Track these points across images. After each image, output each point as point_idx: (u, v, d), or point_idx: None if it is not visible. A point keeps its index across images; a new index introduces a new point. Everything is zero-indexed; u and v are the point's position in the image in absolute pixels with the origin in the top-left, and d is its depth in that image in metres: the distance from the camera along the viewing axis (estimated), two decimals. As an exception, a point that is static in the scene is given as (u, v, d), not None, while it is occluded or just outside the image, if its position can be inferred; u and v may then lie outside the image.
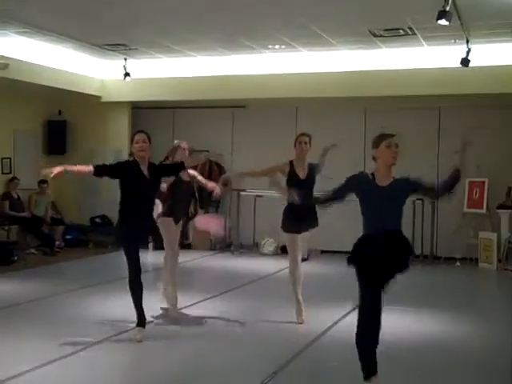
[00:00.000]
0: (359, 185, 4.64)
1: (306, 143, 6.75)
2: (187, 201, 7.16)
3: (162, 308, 7.04)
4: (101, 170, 5.92)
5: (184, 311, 7.18)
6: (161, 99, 12.37)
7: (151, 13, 8.54)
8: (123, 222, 6.01)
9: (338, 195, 4.80)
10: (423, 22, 8.56)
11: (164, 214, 6.93)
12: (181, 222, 7.10)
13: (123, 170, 5.95)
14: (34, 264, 10.31)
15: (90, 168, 5.86)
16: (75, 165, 5.97)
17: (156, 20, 8.93)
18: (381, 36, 9.54)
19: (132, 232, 5.94)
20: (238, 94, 11.82)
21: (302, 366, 5.48)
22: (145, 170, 6.01)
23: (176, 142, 7.30)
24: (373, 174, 4.63)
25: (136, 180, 5.93)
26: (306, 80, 11.24)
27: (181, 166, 6.47)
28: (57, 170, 5.53)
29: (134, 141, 6.05)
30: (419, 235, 11.09)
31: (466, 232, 11.16)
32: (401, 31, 9.23)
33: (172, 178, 6.88)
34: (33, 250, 11.46)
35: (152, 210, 6.15)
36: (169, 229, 6.88)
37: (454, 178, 4.59)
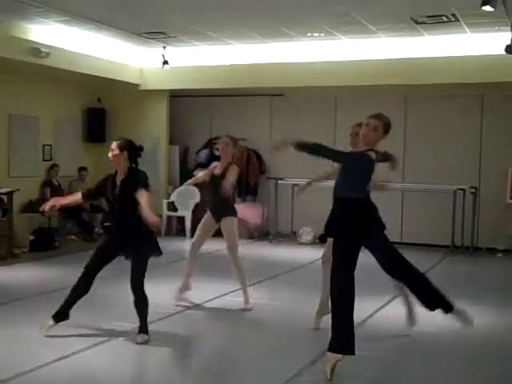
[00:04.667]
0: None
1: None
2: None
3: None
4: (88, 196, 6.07)
5: (222, 299, 7.20)
6: (199, 87, 12.37)
7: (190, 1, 8.53)
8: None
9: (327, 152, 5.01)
10: (467, 8, 8.37)
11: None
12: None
13: (104, 186, 5.70)
14: (74, 250, 10.44)
15: (78, 196, 5.93)
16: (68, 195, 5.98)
17: (195, 8, 8.91)
18: (423, 23, 9.38)
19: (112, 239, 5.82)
20: (276, 82, 11.75)
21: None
22: (118, 180, 5.60)
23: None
24: None
25: (110, 191, 5.62)
26: (346, 68, 11.11)
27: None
28: (49, 203, 5.68)
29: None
30: (459, 226, 10.94)
31: (508, 223, 10.96)
32: (444, 18, 9.06)
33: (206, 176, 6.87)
34: (73, 237, 11.62)
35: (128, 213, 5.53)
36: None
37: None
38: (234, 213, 6.81)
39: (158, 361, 5.21)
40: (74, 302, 5.65)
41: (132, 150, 5.61)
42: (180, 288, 6.94)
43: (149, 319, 5.57)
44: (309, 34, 10.45)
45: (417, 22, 9.35)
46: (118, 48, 11.81)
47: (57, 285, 7.46)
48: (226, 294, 7.42)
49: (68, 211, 11.70)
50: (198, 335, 5.97)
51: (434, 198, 11.46)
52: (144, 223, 5.25)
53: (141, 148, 5.71)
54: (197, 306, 6.89)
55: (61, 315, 5.65)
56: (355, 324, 4.77)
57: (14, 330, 5.82)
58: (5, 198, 9.80)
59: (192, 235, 11.85)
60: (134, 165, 5.63)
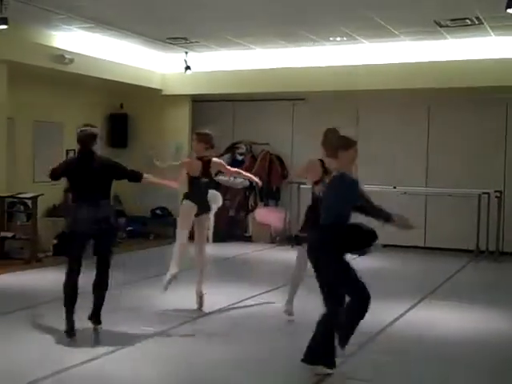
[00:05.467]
0: None
1: None
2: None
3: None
4: None
5: (245, 303, 7.19)
6: (221, 92, 12.39)
7: (212, 6, 8.55)
8: None
9: None
10: (491, 11, 8.29)
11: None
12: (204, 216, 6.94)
13: None
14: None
15: None
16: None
17: (217, 13, 8.93)
18: (447, 26, 9.31)
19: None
20: (298, 86, 11.72)
21: (360, 361, 5.40)
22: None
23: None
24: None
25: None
26: (368, 72, 11.06)
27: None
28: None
29: None
30: (484, 230, 10.82)
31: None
32: (467, 21, 8.98)
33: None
34: (96, 241, 11.67)
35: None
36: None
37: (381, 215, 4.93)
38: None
39: (184, 364, 5.21)
40: None
41: None
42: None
43: (173, 323, 5.58)
44: (331, 39, 10.42)
45: (440, 26, 9.28)
46: (140, 54, 11.88)
47: (79, 289, 7.50)
48: (246, 298, 7.39)
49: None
50: (225, 338, 5.94)
51: (459, 202, 11.35)
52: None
53: None
54: (221, 310, 6.88)
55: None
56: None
57: (37, 334, 5.84)
58: (29, 202, 9.89)
59: (214, 239, 11.98)
60: None
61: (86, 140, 6.05)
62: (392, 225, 4.83)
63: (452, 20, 8.99)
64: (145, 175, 6.19)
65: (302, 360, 4.89)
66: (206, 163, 6.82)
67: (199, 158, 6.85)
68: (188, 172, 6.82)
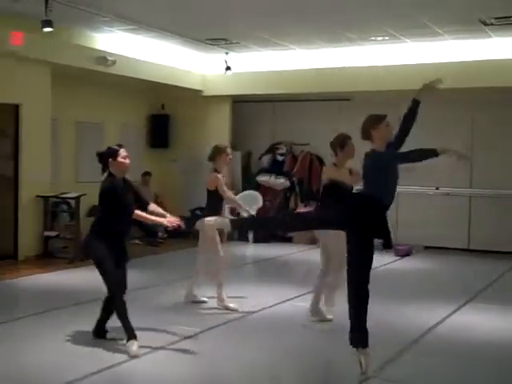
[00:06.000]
0: None
1: None
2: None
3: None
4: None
5: (286, 304, 7.15)
6: (261, 93, 12.38)
7: (252, 6, 8.54)
8: None
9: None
10: (538, 8, 8.11)
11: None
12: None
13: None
14: (138, 254, 10.57)
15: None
16: None
17: (257, 14, 8.93)
18: (491, 25, 9.12)
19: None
20: (338, 86, 11.64)
21: (402, 363, 5.31)
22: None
23: (223, 144, 7.24)
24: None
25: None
26: (412, 72, 10.88)
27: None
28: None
29: (122, 156, 5.52)
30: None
31: None
32: (513, 19, 8.80)
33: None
34: (137, 241, 11.78)
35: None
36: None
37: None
38: None
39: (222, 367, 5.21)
40: None
41: None
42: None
43: (209, 324, 5.57)
44: (372, 38, 10.32)
45: (485, 24, 9.10)
46: (181, 55, 11.95)
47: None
48: (288, 299, 7.36)
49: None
50: (264, 340, 5.92)
51: (503, 203, 11.13)
52: None
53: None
54: (258, 311, 6.86)
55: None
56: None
57: (77, 333, 5.88)
58: (73, 202, 10.02)
59: (255, 240, 11.97)
60: None
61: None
62: (446, 154, 4.73)
63: (497, 18, 8.81)
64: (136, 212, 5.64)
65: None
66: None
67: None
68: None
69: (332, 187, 6.08)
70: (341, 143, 6.29)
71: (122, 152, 5.53)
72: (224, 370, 5.12)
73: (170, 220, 5.69)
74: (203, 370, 5.14)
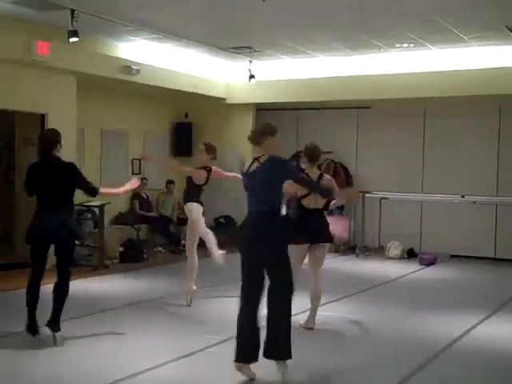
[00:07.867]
0: None
1: None
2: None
3: None
4: None
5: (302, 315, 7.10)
6: (285, 101, 12.38)
7: (276, 14, 8.54)
8: None
9: None
10: None
11: None
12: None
13: None
14: (161, 262, 10.62)
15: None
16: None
17: (281, 22, 8.93)
18: (518, 31, 9.03)
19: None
20: (363, 94, 11.60)
21: (427, 374, 5.22)
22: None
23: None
24: None
25: None
26: (435, 79, 10.83)
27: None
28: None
29: None
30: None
31: None
32: (540, 25, 8.70)
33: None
34: (160, 249, 11.82)
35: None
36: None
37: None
38: None
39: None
40: None
41: None
42: None
43: (232, 333, 5.54)
44: (397, 45, 10.26)
45: (511, 30, 9.00)
46: (204, 63, 11.99)
47: (145, 296, 7.62)
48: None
49: (155, 223, 11.99)
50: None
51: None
52: None
53: None
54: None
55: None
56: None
57: (104, 340, 5.91)
58: (96, 210, 10.09)
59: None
60: None
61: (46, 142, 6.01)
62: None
63: (524, 24, 8.72)
64: (101, 189, 5.95)
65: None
66: (209, 172, 7.38)
67: (203, 168, 7.34)
68: (193, 179, 7.34)
69: None
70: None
71: None
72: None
73: (130, 184, 6.10)
74: (228, 375, 5.12)
